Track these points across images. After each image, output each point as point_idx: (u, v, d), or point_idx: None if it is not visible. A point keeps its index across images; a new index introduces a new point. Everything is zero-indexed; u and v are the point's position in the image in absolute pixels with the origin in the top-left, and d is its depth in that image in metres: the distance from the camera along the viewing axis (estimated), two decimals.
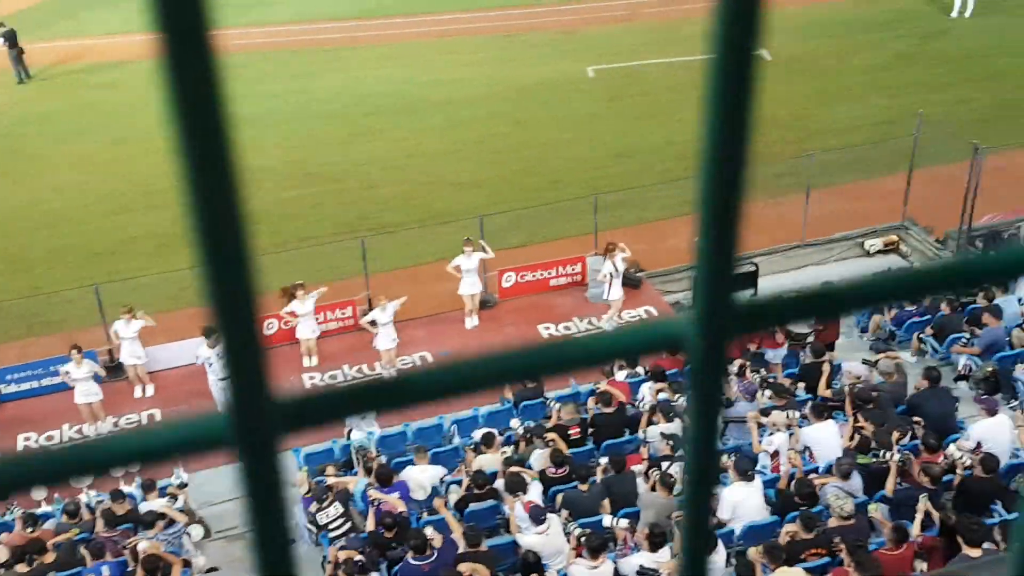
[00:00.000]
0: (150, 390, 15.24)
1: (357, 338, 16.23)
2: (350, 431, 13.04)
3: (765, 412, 11.73)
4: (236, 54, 29.87)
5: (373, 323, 15.06)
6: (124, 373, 15.35)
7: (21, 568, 10.35)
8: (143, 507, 11.33)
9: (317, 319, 15.78)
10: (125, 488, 11.91)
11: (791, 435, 11.16)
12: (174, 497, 11.60)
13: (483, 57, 28.59)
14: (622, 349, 0.77)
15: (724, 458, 10.86)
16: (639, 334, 0.77)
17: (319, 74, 28.28)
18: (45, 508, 12.16)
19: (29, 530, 10.95)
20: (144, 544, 10.26)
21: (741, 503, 10.22)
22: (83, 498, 11.88)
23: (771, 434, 11.39)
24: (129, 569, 10.18)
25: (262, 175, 21.98)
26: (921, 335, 13.93)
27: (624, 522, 10.21)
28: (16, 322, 17.10)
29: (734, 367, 12.76)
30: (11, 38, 26.75)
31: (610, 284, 15.79)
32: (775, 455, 11.17)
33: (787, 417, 11.36)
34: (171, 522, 10.97)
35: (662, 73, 26.03)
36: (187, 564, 10.52)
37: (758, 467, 11.06)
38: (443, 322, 16.59)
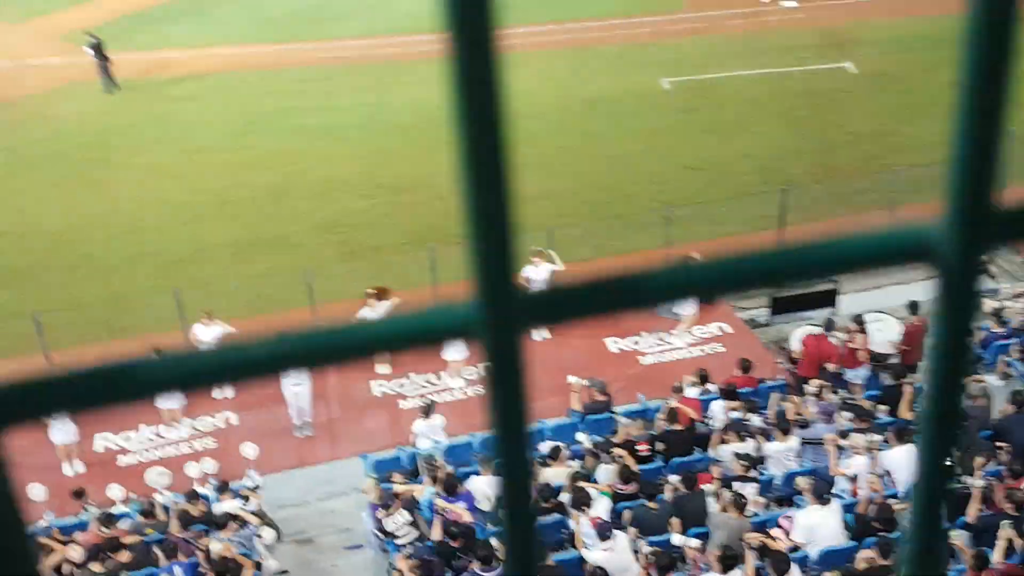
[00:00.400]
0: (230, 392, 15.47)
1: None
2: (416, 439, 13.07)
3: (844, 434, 11.45)
4: (308, 67, 30.38)
5: None
6: None
7: (95, 567, 10.54)
8: (217, 508, 11.46)
9: None
10: (199, 489, 12.08)
11: (871, 458, 10.86)
12: (247, 499, 11.74)
13: (554, 69, 28.60)
14: (863, 257, 0.69)
15: (800, 480, 10.63)
16: (881, 240, 0.69)
17: (391, 87, 28.57)
18: (121, 508, 12.37)
19: (105, 529, 11.15)
20: (216, 545, 10.37)
21: (818, 527, 9.98)
22: (159, 498, 12.07)
23: (850, 457, 11.10)
24: (201, 570, 10.29)
25: (333, 185, 22.29)
26: (1007, 358, 13.44)
27: (695, 542, 10.03)
28: (97, 325, 17.52)
29: (811, 387, 12.49)
30: (98, 49, 27.51)
31: None
32: (854, 479, 10.88)
33: (867, 440, 11.07)
34: (244, 524, 11.07)
35: (739, 86, 25.74)
36: (258, 567, 10.61)
37: (836, 490, 10.79)
38: None
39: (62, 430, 13.57)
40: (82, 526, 11.82)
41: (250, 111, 27.18)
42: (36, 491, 12.52)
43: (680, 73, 27.06)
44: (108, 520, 11.29)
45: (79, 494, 12.38)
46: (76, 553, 10.79)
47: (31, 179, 23.71)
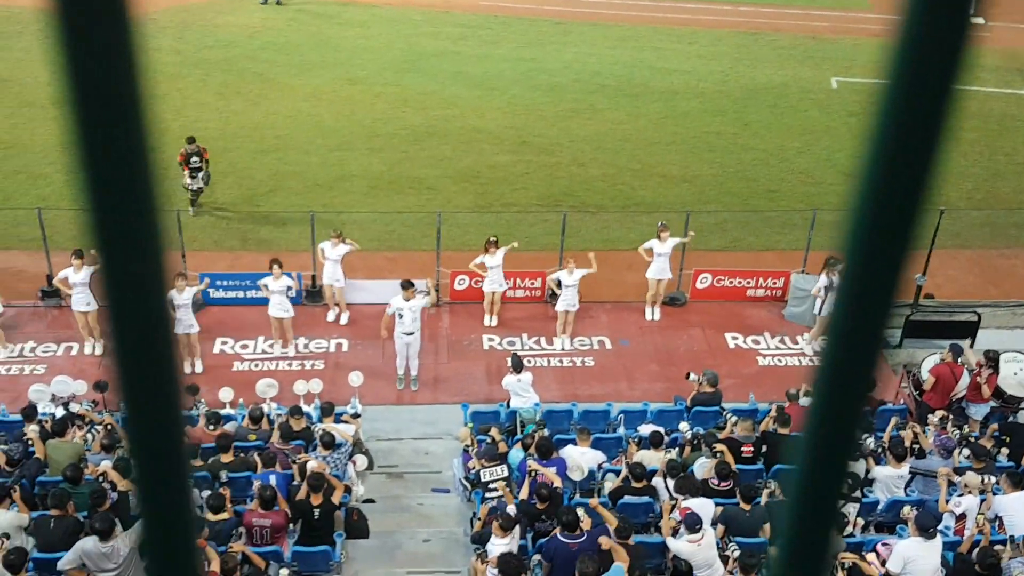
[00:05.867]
0: (345, 318, 15.76)
1: (540, 308, 16.27)
2: (510, 398, 13.06)
3: (959, 471, 10.91)
4: (476, 14, 30.45)
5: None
6: (322, 299, 15.97)
7: (196, 462, 10.92)
8: (317, 428, 11.72)
9: (508, 283, 15.91)
10: (304, 407, 12.39)
11: (983, 500, 10.33)
12: (347, 424, 11.97)
13: (721, 51, 27.90)
14: None
15: (905, 509, 10.19)
16: None
17: (552, 45, 28.41)
18: (229, 411, 12.81)
19: (211, 428, 11.54)
20: (312, 463, 10.63)
21: (915, 560, 9.53)
22: (265, 408, 12.44)
23: (961, 495, 10.59)
24: (295, 483, 10.57)
25: (479, 136, 22.37)
26: None
27: None
28: (232, 234, 18.15)
29: (935, 418, 11.92)
30: None
31: (823, 299, 14.97)
32: (962, 517, 10.37)
33: (982, 481, 10.51)
34: (339, 447, 11.30)
35: None
36: (347, 490, 10.83)
37: (941, 526, 10.31)
38: (625, 311, 16.37)
39: (184, 322, 14.04)
40: (191, 421, 12.27)
41: (412, 50, 27.49)
42: None
43: (851, 74, 26.01)
44: (216, 419, 11.69)
45: (193, 390, 12.83)
46: None
47: (194, 83, 24.61)
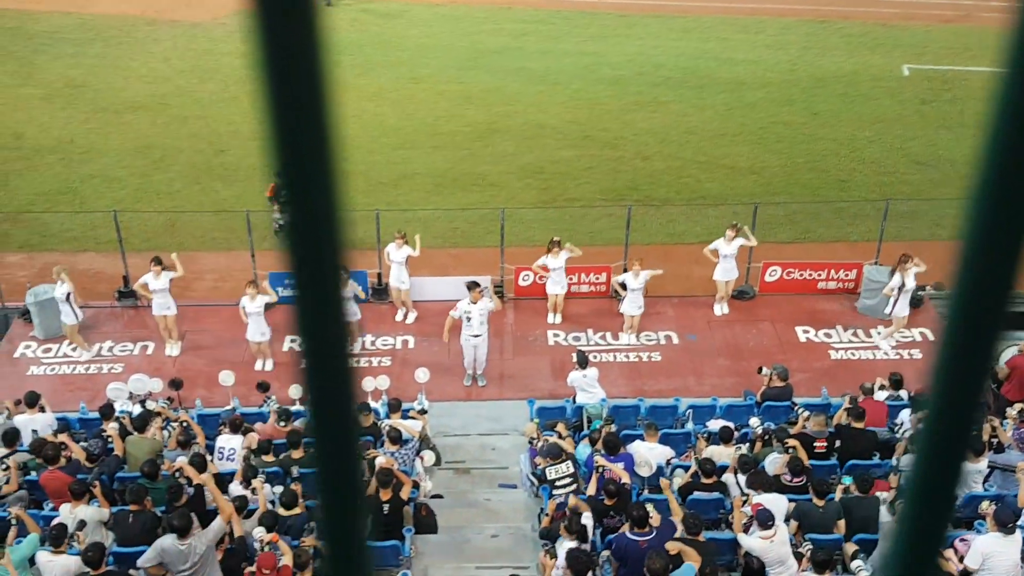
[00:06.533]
0: (412, 316, 15.87)
1: (605, 304, 16.17)
2: (576, 394, 12.99)
3: None
4: (538, 9, 30.41)
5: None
6: (388, 296, 16.11)
7: (267, 458, 11.09)
8: (385, 424, 11.81)
9: (570, 279, 15.85)
10: (372, 403, 12.50)
11: None
12: (414, 420, 12.03)
13: (788, 40, 27.42)
14: None
15: (984, 504, 9.88)
16: None
17: (615, 39, 28.23)
18: (299, 407, 12.97)
19: (282, 424, 11.71)
20: (381, 458, 10.71)
21: (994, 555, 9.25)
22: None
23: None
24: (363, 479, 10.64)
25: (542, 131, 22.32)
26: None
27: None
28: None
29: (1013, 411, 11.55)
30: None
31: (896, 299, 14.63)
32: None
33: None
34: (407, 443, 11.36)
35: (985, 82, 23.91)
36: (416, 486, 10.89)
37: (1020, 522, 9.97)
38: (692, 305, 16.18)
39: (256, 329, 14.30)
40: (261, 417, 12.47)
41: (475, 47, 27.56)
42: (225, 377, 13.33)
43: (923, 61, 25.35)
44: (287, 416, 11.85)
45: (264, 387, 13.03)
46: (252, 442, 11.40)
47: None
